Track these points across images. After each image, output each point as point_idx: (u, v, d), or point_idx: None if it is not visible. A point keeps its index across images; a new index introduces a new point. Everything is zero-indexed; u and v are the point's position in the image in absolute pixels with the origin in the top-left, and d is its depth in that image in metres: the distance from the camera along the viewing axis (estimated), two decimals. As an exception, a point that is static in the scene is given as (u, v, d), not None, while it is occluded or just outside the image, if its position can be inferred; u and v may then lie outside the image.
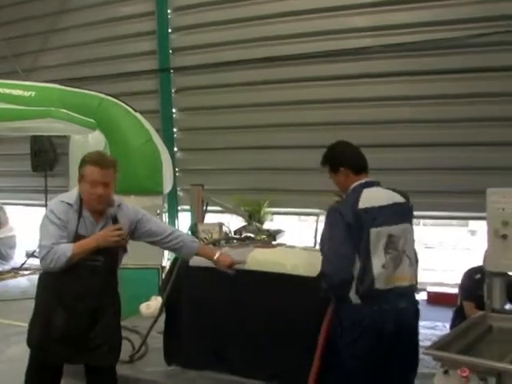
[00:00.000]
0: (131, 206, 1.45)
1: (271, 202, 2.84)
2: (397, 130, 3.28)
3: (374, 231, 1.19)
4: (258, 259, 1.73)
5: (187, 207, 3.45)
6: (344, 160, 1.32)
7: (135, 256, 2.32)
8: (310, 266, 1.61)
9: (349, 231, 1.16)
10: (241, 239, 2.20)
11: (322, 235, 1.22)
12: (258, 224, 2.40)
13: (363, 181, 1.30)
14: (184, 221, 3.96)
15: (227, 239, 2.19)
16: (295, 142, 3.60)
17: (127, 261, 1.61)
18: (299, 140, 3.56)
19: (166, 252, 3.11)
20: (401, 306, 1.21)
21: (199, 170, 3.97)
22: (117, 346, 1.35)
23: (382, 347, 1.17)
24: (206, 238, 2.15)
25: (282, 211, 3.69)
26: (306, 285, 1.57)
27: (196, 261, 1.77)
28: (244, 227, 2.42)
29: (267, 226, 2.44)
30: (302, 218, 4.23)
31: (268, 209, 3.20)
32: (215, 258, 1.46)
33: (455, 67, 3.04)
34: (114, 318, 1.34)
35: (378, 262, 1.19)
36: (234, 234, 2.34)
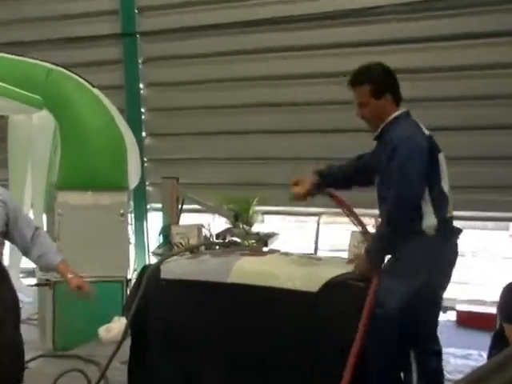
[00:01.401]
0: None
1: (262, 199, 2.85)
2: (420, 110, 3.17)
3: (441, 156, 1.51)
4: (244, 270, 1.74)
5: (158, 205, 3.42)
6: (392, 84, 1.56)
7: (91, 264, 2.34)
8: (309, 277, 1.63)
9: (425, 159, 1.44)
10: (224, 245, 2.20)
11: (400, 164, 1.43)
12: (245, 226, 2.42)
13: (405, 110, 1.55)
14: (154, 222, 3.96)
15: (208, 245, 2.21)
16: (292, 125, 3.53)
17: (82, 272, 1.64)
18: (297, 123, 3.50)
19: (132, 260, 3.17)
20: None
21: (173, 160, 3.93)
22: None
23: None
24: (181, 244, 2.16)
25: (275, 210, 3.66)
26: (304, 302, 1.60)
27: (169, 271, 1.82)
28: (228, 230, 2.44)
29: (257, 228, 2.48)
30: (301, 218, 4.08)
31: (258, 207, 3.30)
32: (67, 278, 1.58)
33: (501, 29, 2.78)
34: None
35: (446, 187, 1.52)
36: (216, 238, 2.36)
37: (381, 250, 1.53)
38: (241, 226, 2.40)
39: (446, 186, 1.54)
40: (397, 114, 1.56)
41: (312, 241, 2.52)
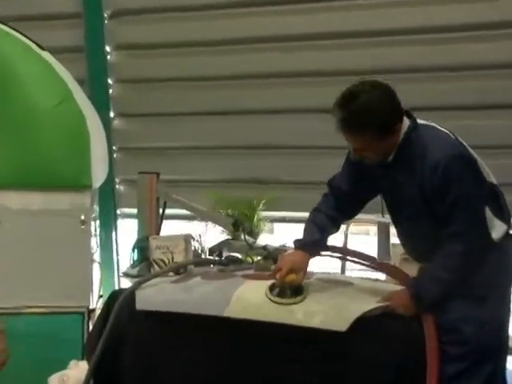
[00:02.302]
0: None
1: (270, 202, 2.88)
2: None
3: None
4: (248, 300, 1.77)
5: (132, 211, 3.40)
6: (398, 110, 1.63)
7: (39, 291, 2.35)
8: (335, 311, 1.66)
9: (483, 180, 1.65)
10: (221, 263, 2.24)
11: (465, 200, 1.58)
12: (248, 238, 2.43)
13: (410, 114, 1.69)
14: (127, 233, 3.96)
15: (199, 263, 2.25)
16: (306, 103, 3.52)
17: (27, 300, 1.60)
18: (313, 99, 3.47)
19: (97, 283, 3.17)
20: None
21: (152, 150, 3.95)
22: None
23: None
24: (163, 262, 2.18)
25: (288, 217, 3.70)
26: (328, 344, 1.64)
27: (147, 299, 1.84)
28: (226, 243, 2.46)
29: (264, 240, 2.49)
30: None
31: (265, 213, 3.37)
32: None
33: None
34: None
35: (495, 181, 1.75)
36: (210, 254, 2.38)
37: (436, 296, 1.62)
38: (242, 237, 2.40)
39: (494, 180, 1.71)
40: (407, 128, 1.64)
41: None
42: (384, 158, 1.66)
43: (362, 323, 1.60)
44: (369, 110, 1.54)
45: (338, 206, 1.83)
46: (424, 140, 1.61)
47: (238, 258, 2.36)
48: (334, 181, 1.87)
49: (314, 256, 1.83)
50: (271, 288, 1.74)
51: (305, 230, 1.84)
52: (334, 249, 1.95)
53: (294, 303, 1.68)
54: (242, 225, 2.46)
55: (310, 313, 1.65)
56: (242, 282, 1.89)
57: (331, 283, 1.93)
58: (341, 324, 1.58)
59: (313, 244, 1.80)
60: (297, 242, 1.81)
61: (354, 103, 1.54)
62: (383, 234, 2.34)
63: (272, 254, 2.26)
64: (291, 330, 1.64)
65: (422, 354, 1.56)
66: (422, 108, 2.45)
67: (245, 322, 1.69)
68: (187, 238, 2.28)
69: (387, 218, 2.04)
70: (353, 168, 1.78)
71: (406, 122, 1.63)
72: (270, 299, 1.70)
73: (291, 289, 1.72)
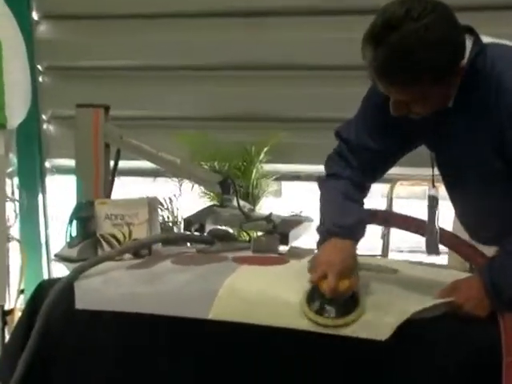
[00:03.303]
0: None
1: (276, 149, 2.88)
2: None
3: None
4: (241, 295, 1.80)
5: (67, 162, 3.48)
6: (461, 42, 1.61)
7: None
8: (373, 312, 1.69)
9: None
10: (203, 240, 2.32)
11: None
12: (244, 204, 2.51)
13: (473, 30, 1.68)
14: (60, 195, 4.02)
15: (169, 241, 2.35)
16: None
17: None
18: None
19: (16, 272, 3.20)
20: None
21: (94, 70, 4.01)
22: None
23: None
24: (115, 238, 2.23)
25: (305, 172, 3.82)
26: (360, 358, 1.68)
27: (93, 295, 1.88)
28: (210, 211, 2.55)
29: (267, 208, 2.49)
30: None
31: (269, 166, 3.39)
32: None
33: None
34: None
35: None
36: (187, 227, 2.45)
37: None
38: (235, 202, 2.46)
39: None
40: (471, 47, 1.63)
41: (377, 232, 2.63)
42: (441, 106, 1.67)
43: (413, 329, 1.63)
44: (421, 45, 1.50)
45: (362, 168, 1.89)
46: (498, 66, 1.60)
47: (227, 232, 2.41)
48: (349, 133, 1.91)
49: (360, 240, 1.87)
50: (308, 298, 1.73)
51: (330, 205, 1.89)
52: (376, 216, 2.01)
53: (349, 322, 1.68)
54: (233, 184, 2.50)
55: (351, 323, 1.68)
56: (233, 268, 1.92)
57: (366, 269, 1.95)
58: (380, 330, 1.61)
59: (357, 225, 1.84)
60: (334, 227, 1.82)
61: (397, 36, 1.50)
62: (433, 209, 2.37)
63: (279, 228, 2.33)
64: (304, 338, 1.69)
65: (497, 372, 1.58)
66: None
67: (236, 328, 1.73)
68: (152, 204, 2.31)
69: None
70: (380, 115, 1.80)
71: (468, 44, 1.61)
72: (311, 318, 1.68)
73: (344, 302, 1.70)
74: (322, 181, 1.94)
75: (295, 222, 2.44)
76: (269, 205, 2.60)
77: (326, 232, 1.81)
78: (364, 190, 1.93)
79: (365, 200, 1.94)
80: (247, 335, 1.74)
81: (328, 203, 1.89)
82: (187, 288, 1.84)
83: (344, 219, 1.81)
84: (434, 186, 2.01)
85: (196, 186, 2.74)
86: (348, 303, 1.68)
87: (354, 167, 1.89)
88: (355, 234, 1.81)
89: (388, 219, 2.20)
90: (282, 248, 2.27)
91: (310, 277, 1.72)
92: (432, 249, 2.00)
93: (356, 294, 1.70)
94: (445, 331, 1.66)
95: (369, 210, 2.04)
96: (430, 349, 1.65)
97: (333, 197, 1.88)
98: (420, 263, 2.20)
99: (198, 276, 1.91)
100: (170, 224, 2.52)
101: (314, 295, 1.70)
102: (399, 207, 3.18)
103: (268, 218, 2.38)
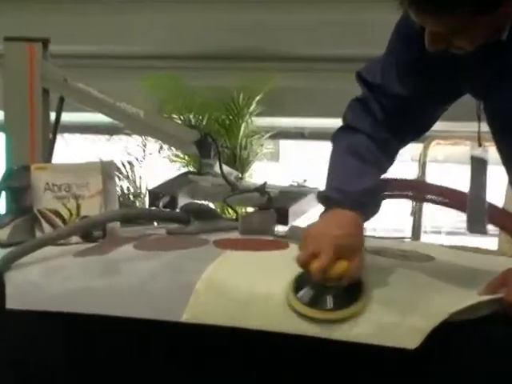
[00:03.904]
0: None
1: (272, 97, 2.87)
2: None
3: None
4: (225, 289, 1.81)
5: None
6: None
7: None
8: (399, 313, 1.70)
9: None
10: (174, 218, 2.35)
11: None
12: (229, 170, 2.57)
13: None
14: None
15: (129, 218, 2.37)
16: None
17: None
18: None
19: None
20: None
21: None
22: None
23: None
24: (58, 215, 2.24)
25: (311, 129, 4.00)
26: (380, 372, 1.71)
27: (28, 292, 1.87)
28: (184, 180, 2.60)
29: (259, 174, 2.47)
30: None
31: (262, 120, 3.35)
32: None
33: None
34: None
35: None
36: (153, 200, 2.51)
37: None
38: (217, 169, 2.49)
39: None
40: None
41: (405, 208, 2.66)
42: (490, 39, 1.66)
43: (451, 334, 1.64)
44: None
45: (389, 122, 1.89)
46: None
47: (207, 208, 2.43)
48: (374, 75, 1.91)
49: (371, 217, 1.88)
50: (297, 285, 1.72)
51: (338, 165, 1.90)
52: (397, 185, 1.99)
53: (348, 316, 1.67)
54: (215, 144, 2.52)
55: (353, 318, 1.67)
56: (214, 255, 1.93)
57: (393, 258, 1.96)
58: (406, 336, 1.62)
59: (367, 194, 1.84)
60: (336, 194, 1.83)
61: None
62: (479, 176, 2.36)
63: (276, 203, 2.35)
64: (307, 347, 1.71)
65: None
66: None
67: (218, 333, 1.74)
68: (107, 171, 2.32)
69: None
70: (412, 51, 1.80)
71: None
72: (298, 311, 1.67)
73: (344, 291, 1.69)
74: (335, 134, 1.95)
75: (297, 194, 2.46)
76: (263, 172, 2.59)
77: (326, 199, 1.83)
78: (387, 152, 1.93)
79: (387, 166, 1.95)
80: (233, 339, 1.76)
81: (336, 162, 1.91)
82: (154, 281, 1.85)
83: (351, 184, 1.82)
84: (480, 146, 2.01)
85: (165, 146, 2.73)
86: (350, 293, 1.69)
87: (378, 120, 1.90)
88: (363, 204, 1.81)
89: (414, 190, 2.19)
90: (280, 228, 2.28)
91: (297, 255, 1.72)
92: (476, 227, 2.00)
93: (361, 282, 1.71)
94: (493, 336, 1.67)
95: (388, 179, 2.06)
96: (473, 361, 1.67)
97: (343, 154, 1.90)
98: (462, 248, 2.22)
99: (169, 265, 1.91)
100: (131, 197, 2.52)
101: (304, 281, 1.71)
102: (435, 174, 3.19)
103: (261, 189, 2.39)
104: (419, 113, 1.92)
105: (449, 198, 2.10)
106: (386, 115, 1.89)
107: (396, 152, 1.97)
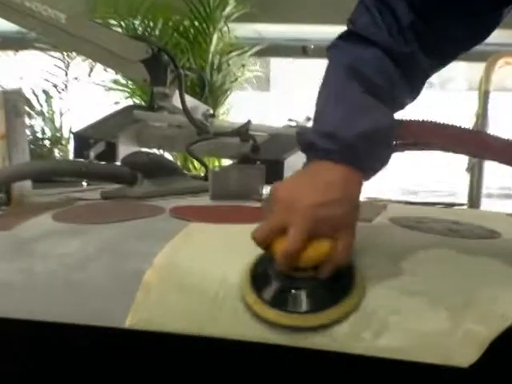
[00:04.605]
0: None
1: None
2: None
3: None
4: (187, 278, 1.83)
5: None
6: None
7: None
8: (432, 314, 1.71)
9: None
10: (115, 175, 2.37)
11: None
12: (196, 104, 2.61)
13: None
14: None
15: (48, 175, 2.40)
16: None
17: None
18: None
19: None
20: None
21: None
22: None
23: None
24: None
25: (316, 38, 3.86)
26: None
27: None
28: (127, 118, 2.65)
29: (240, 111, 2.47)
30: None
31: (243, 26, 3.37)
32: None
33: None
34: None
35: None
36: (81, 148, 2.56)
37: None
38: (176, 102, 2.54)
39: None
40: None
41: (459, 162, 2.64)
42: None
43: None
44: None
45: (422, 28, 1.88)
46: None
47: (162, 161, 2.46)
48: None
49: (374, 175, 1.89)
50: (257, 275, 1.73)
51: (333, 98, 1.87)
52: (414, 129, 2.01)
53: (329, 322, 1.65)
54: (173, 64, 2.55)
55: (377, 322, 1.68)
56: (173, 230, 1.97)
57: (437, 233, 1.99)
58: (460, 349, 1.62)
59: (372, 142, 1.82)
60: (322, 137, 1.80)
61: None
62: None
63: (265, 152, 2.40)
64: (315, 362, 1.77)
65: None
66: None
67: (177, 342, 1.79)
68: (12, 104, 2.32)
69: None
70: None
71: None
72: (258, 313, 1.66)
73: (320, 283, 1.68)
74: (334, 45, 1.92)
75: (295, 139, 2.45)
76: (245, 106, 2.60)
77: (308, 146, 1.81)
78: (411, 78, 1.91)
79: (406, 101, 1.93)
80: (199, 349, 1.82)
81: (329, 90, 1.87)
82: (84, 270, 1.85)
83: (347, 125, 1.80)
84: None
85: (99, 67, 2.74)
86: (333, 286, 1.68)
87: (403, 26, 1.86)
88: (362, 156, 1.79)
89: (442, 139, 2.18)
90: (264, 191, 2.32)
91: (252, 231, 1.70)
92: None
93: (352, 271, 1.71)
94: None
95: (402, 120, 2.06)
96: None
97: (341, 78, 1.85)
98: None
99: (106, 246, 1.93)
100: (48, 143, 2.53)
101: (266, 269, 1.70)
102: (503, 108, 3.20)
103: (243, 133, 2.41)
104: (471, 8, 1.88)
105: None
106: (416, 16, 1.85)
107: (425, 79, 1.95)
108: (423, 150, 2.14)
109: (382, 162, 1.83)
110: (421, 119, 2.09)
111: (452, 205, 2.80)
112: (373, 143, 1.78)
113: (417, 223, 2.08)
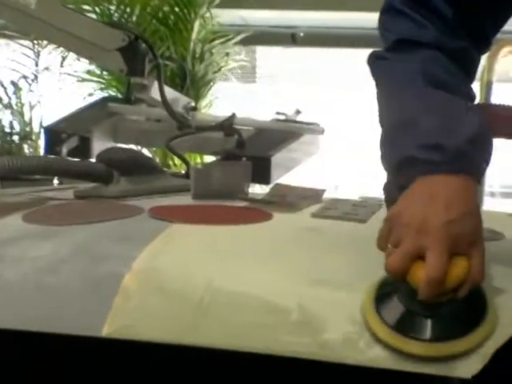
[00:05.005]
0: None
1: None
2: None
3: None
4: (169, 283, 1.84)
5: None
6: None
7: None
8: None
9: None
10: (89, 173, 2.37)
11: None
12: (177, 96, 2.63)
13: None
14: None
15: (16, 173, 2.36)
16: None
17: None
18: None
19: None
20: None
21: None
22: None
23: None
24: None
25: (308, 24, 4.01)
26: None
27: None
28: (102, 111, 2.66)
29: (224, 104, 2.47)
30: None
31: (227, 11, 3.39)
32: None
33: None
34: None
35: None
36: (52, 143, 2.62)
37: None
38: (155, 94, 2.54)
39: None
40: None
41: None
42: None
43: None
44: None
45: (465, 18, 1.89)
46: None
47: (140, 158, 2.47)
48: None
49: (483, 176, 1.94)
50: (381, 298, 1.70)
51: (414, 109, 1.87)
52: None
53: (470, 348, 1.62)
54: (152, 53, 2.55)
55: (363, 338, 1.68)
56: (153, 231, 1.97)
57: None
58: (462, 361, 1.62)
59: (478, 143, 1.82)
60: (428, 152, 1.78)
61: None
62: None
63: (251, 148, 2.41)
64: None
65: None
66: None
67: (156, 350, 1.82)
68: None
69: None
70: None
71: None
72: (379, 337, 1.63)
73: (457, 307, 1.66)
74: (377, 58, 1.93)
75: (285, 134, 2.46)
76: (230, 98, 2.61)
77: (410, 163, 1.77)
78: (468, 70, 1.93)
79: (473, 92, 1.94)
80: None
81: (402, 103, 1.86)
82: (57, 274, 1.86)
83: (450, 131, 1.79)
84: None
85: (71, 56, 2.74)
86: (467, 309, 1.66)
87: (447, 19, 1.88)
88: (474, 160, 1.79)
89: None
90: (258, 188, 2.32)
91: (385, 263, 1.67)
92: None
93: (480, 289, 1.68)
94: None
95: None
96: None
97: (412, 87, 1.86)
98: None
99: (80, 248, 1.93)
100: (16, 138, 2.54)
101: (389, 294, 1.68)
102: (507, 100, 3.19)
103: (227, 127, 2.42)
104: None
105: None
106: (454, 7, 1.87)
107: (477, 67, 1.98)
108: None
109: (489, 160, 1.83)
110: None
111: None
112: (481, 145, 1.80)
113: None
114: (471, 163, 1.73)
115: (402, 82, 1.86)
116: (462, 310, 1.62)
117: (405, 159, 1.74)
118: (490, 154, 1.81)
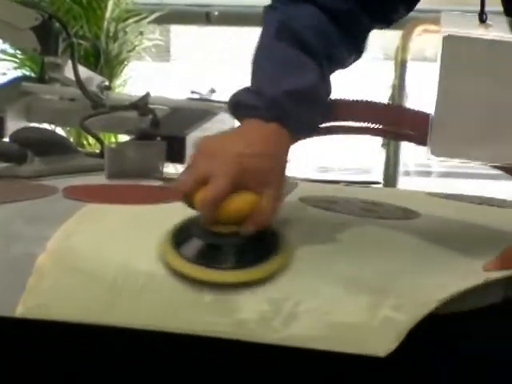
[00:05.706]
0: None
1: None
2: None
3: None
4: (84, 261, 1.83)
5: None
6: None
7: None
8: (367, 302, 1.71)
9: None
10: (2, 153, 2.34)
11: None
12: (91, 75, 2.59)
13: None
14: None
15: None
16: None
17: None
18: None
19: None
20: None
21: None
22: None
23: None
24: None
25: (222, 3, 3.88)
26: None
27: None
28: (15, 91, 2.60)
29: (138, 83, 2.46)
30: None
31: None
32: None
33: None
34: None
35: None
36: None
37: None
38: (69, 73, 2.52)
39: None
40: None
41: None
42: None
43: (444, 333, 1.72)
44: None
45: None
46: None
47: (54, 137, 2.44)
48: None
49: (306, 136, 1.92)
50: (179, 236, 1.74)
51: (264, 58, 1.92)
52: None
53: (255, 279, 1.67)
54: (65, 32, 2.54)
55: (288, 310, 1.68)
56: (67, 211, 1.95)
57: (352, 213, 2.02)
58: (377, 338, 1.64)
59: (303, 99, 1.85)
60: (251, 97, 1.84)
61: None
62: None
63: (166, 127, 2.39)
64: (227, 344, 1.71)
65: None
66: None
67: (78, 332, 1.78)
68: None
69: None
70: None
71: None
72: (177, 269, 1.67)
73: (245, 242, 1.70)
74: (269, 7, 1.95)
75: (200, 113, 2.45)
76: (143, 77, 2.60)
77: (236, 105, 1.86)
78: (351, 36, 1.94)
79: (348, 59, 1.99)
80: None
81: (262, 52, 1.92)
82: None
83: (274, 82, 1.84)
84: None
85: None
86: (259, 245, 1.70)
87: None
88: (292, 114, 1.82)
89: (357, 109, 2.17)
90: (172, 169, 2.31)
91: (174, 184, 1.77)
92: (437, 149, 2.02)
93: (277, 233, 1.75)
94: (503, 335, 1.75)
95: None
96: (476, 375, 1.73)
97: (273, 38, 1.90)
98: (463, 198, 2.25)
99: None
100: None
101: (190, 230, 1.73)
102: (421, 79, 3.21)
103: (141, 106, 2.41)
104: None
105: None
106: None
107: (365, 37, 2.00)
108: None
109: (309, 126, 1.90)
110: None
111: (366, 183, 2.81)
112: (298, 101, 1.82)
113: (329, 203, 2.09)
114: (285, 114, 1.79)
115: (268, 31, 1.91)
116: (253, 244, 1.67)
117: (235, 101, 1.84)
118: (313, 119, 1.90)
